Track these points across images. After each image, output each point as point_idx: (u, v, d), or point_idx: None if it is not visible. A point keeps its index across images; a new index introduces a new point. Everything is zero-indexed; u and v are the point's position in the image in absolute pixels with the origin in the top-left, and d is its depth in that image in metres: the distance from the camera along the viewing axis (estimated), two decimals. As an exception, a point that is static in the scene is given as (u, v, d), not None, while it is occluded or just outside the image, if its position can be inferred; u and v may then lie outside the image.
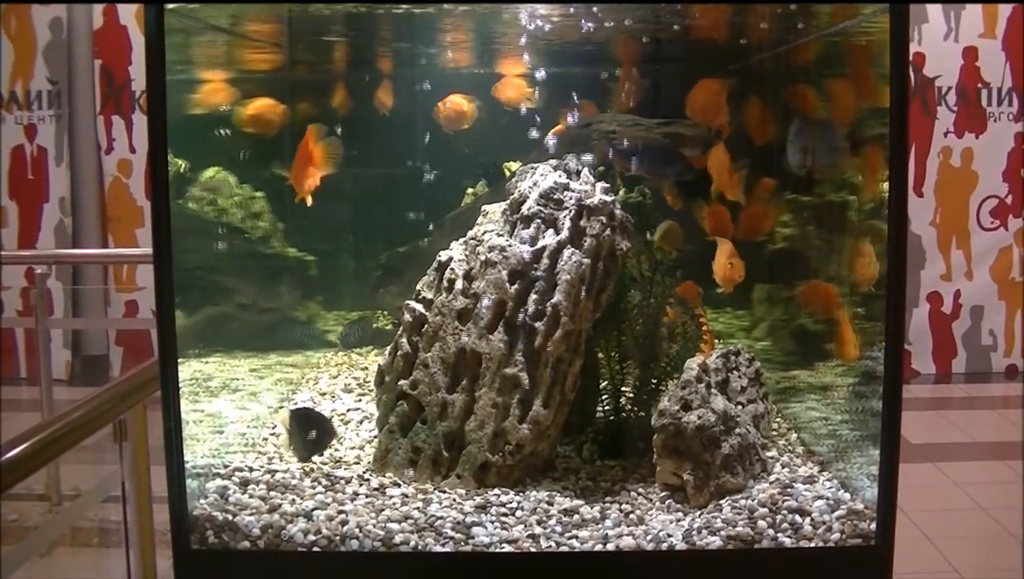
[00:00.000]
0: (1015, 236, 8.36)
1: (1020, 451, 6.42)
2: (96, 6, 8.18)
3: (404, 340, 3.32)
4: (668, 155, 4.05)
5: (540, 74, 4.20)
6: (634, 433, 3.33)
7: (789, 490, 2.99)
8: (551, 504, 2.97)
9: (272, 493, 3.01)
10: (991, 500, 5.64)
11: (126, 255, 7.95)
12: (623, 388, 3.49)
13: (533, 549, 2.76)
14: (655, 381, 3.43)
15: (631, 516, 2.94)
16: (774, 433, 3.58)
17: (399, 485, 3.11)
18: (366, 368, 4.45)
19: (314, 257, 4.81)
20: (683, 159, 4.04)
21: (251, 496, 2.98)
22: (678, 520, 2.92)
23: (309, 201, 3.91)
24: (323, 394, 4.09)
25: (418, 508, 2.91)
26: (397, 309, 3.73)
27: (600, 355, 3.47)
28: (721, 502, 2.96)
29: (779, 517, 2.84)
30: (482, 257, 3.23)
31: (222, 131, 3.90)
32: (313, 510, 2.88)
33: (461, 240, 3.38)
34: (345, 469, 3.25)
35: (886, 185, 2.70)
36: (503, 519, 2.88)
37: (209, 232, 4.13)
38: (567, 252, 3.17)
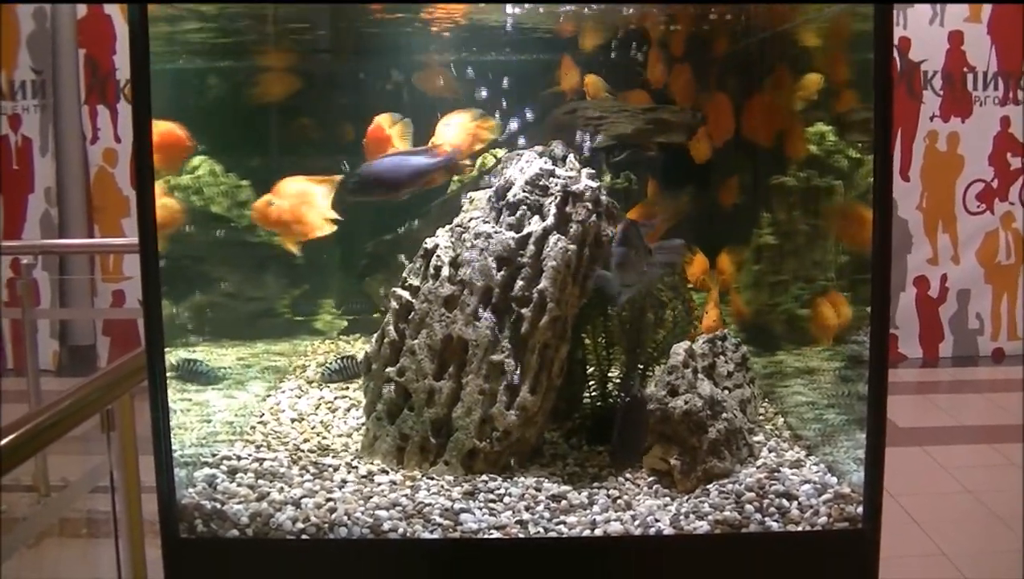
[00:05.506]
0: (1001, 220, 8.40)
1: (1007, 435, 6.45)
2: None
3: (391, 327, 3.31)
4: None
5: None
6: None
7: (776, 474, 3.00)
8: (539, 490, 2.97)
9: (260, 481, 3.01)
10: (979, 483, 5.68)
11: (112, 245, 7.94)
12: (610, 373, 3.49)
13: (521, 535, 2.77)
14: (642, 366, 3.43)
15: (619, 501, 2.95)
16: (761, 418, 3.59)
17: (387, 472, 3.11)
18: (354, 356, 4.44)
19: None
20: None
21: (239, 484, 2.98)
22: (665, 505, 2.92)
23: None
24: (310, 382, 4.09)
25: (406, 495, 2.92)
26: (384, 297, 3.72)
27: (587, 341, 3.47)
28: (708, 487, 2.96)
29: (766, 501, 2.85)
30: (468, 244, 3.23)
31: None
32: (301, 498, 2.88)
33: (447, 227, 3.38)
34: (333, 457, 3.25)
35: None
36: (491, 505, 2.88)
37: (195, 221, 4.11)
38: (553, 238, 3.17)
